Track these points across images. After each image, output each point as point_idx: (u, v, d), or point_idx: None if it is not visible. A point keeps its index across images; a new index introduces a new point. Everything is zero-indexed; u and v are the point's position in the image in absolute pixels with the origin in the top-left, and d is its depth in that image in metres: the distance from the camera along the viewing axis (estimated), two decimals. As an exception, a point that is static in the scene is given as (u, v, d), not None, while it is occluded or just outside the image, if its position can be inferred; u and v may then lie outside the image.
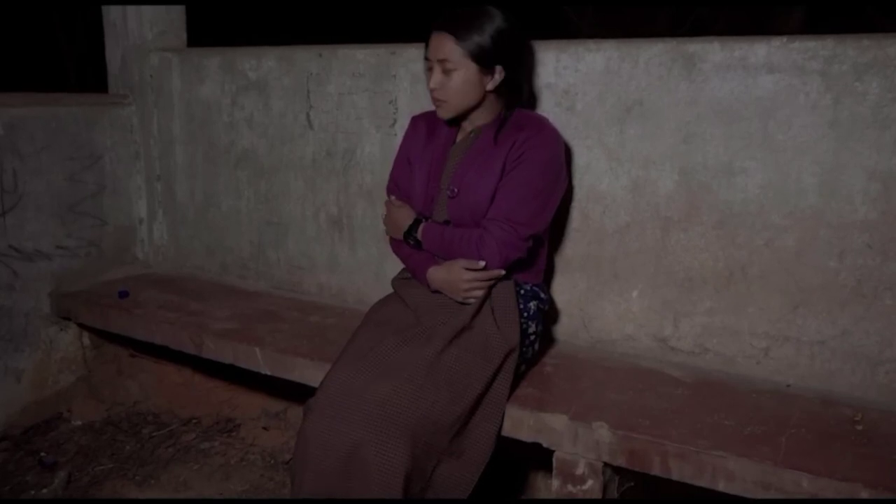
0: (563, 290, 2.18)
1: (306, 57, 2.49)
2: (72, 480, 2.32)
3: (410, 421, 1.60)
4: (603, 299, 2.13)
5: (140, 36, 2.84)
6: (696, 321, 2.01)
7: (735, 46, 1.85)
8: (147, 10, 2.83)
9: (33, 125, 2.51)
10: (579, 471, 1.68)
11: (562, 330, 2.21)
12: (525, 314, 1.89)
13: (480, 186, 1.82)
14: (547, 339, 2.18)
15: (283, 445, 2.52)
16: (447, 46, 1.75)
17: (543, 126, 1.86)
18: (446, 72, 1.77)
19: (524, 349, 1.87)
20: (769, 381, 1.92)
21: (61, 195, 2.63)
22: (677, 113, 1.94)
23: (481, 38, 1.74)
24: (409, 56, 2.29)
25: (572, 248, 2.14)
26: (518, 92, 1.88)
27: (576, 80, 2.05)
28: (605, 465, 1.66)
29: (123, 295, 2.60)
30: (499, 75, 1.80)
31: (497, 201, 1.81)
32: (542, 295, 1.97)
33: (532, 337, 1.92)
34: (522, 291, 1.92)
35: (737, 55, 1.85)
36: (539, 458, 1.84)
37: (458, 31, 1.75)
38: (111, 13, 2.89)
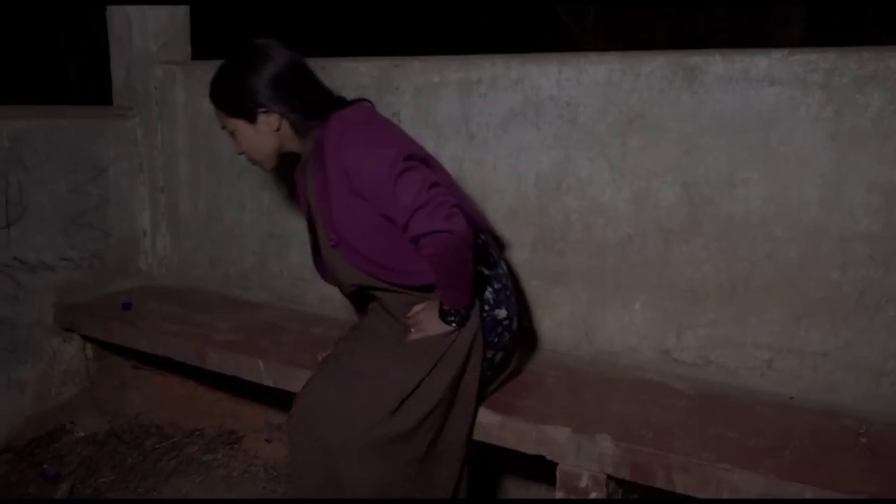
0: (566, 302, 2.18)
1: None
2: (74, 493, 2.32)
3: (375, 434, 1.62)
4: (605, 311, 2.13)
5: (144, 48, 2.86)
6: (699, 333, 2.01)
7: (736, 59, 1.86)
8: (152, 22, 2.85)
9: (38, 137, 2.53)
10: (582, 483, 1.68)
11: (564, 342, 2.21)
12: (485, 304, 1.79)
13: (352, 225, 1.72)
14: (538, 344, 2.19)
15: (286, 458, 2.51)
16: (218, 114, 1.81)
17: (342, 123, 1.71)
18: (232, 135, 1.81)
19: (493, 338, 1.80)
20: (772, 393, 1.91)
21: (65, 207, 2.64)
22: (679, 125, 1.94)
23: (227, 96, 1.77)
24: (412, 69, 2.30)
25: (575, 260, 2.14)
26: (304, 112, 1.75)
27: (578, 92, 2.06)
28: (609, 477, 1.66)
29: (127, 306, 2.61)
30: (266, 115, 1.74)
31: (390, 214, 1.65)
32: (487, 272, 1.83)
33: (506, 322, 1.82)
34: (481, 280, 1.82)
35: (738, 67, 1.86)
36: (542, 471, 1.84)
37: (214, 98, 1.80)
38: (116, 25, 2.91)
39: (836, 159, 1.78)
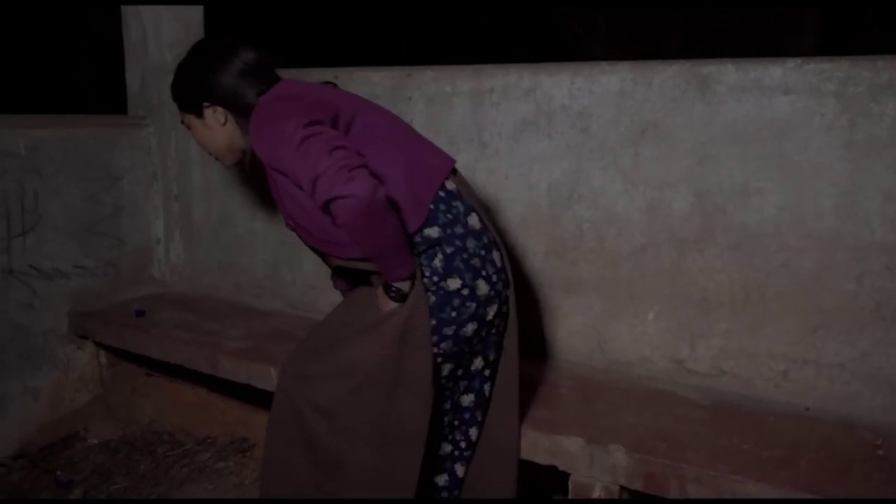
0: (579, 312, 2.17)
1: (322, 79, 2.48)
2: (87, 499, 2.33)
3: (319, 398, 1.66)
4: (618, 321, 2.12)
5: (159, 58, 2.88)
6: (713, 343, 2.00)
7: (750, 68, 1.86)
8: (166, 32, 2.88)
9: (54, 146, 2.55)
10: (595, 494, 1.67)
11: (577, 351, 2.20)
12: (428, 273, 1.65)
13: (292, 205, 1.71)
14: (550, 353, 2.18)
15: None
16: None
17: (256, 110, 1.70)
18: (189, 129, 1.84)
19: (449, 313, 1.63)
20: (788, 404, 1.90)
21: (80, 215, 2.66)
22: (692, 135, 1.94)
23: (176, 91, 1.82)
24: (424, 78, 2.31)
25: (587, 270, 2.14)
26: (238, 107, 1.75)
27: (590, 102, 2.06)
28: (622, 488, 1.65)
29: (140, 314, 2.62)
30: (211, 110, 1.76)
31: (303, 185, 1.60)
32: (436, 234, 1.66)
33: (465, 292, 1.63)
34: (426, 247, 1.67)
35: (751, 77, 1.85)
36: (555, 481, 1.83)
37: (171, 94, 1.84)
38: (131, 35, 2.94)
39: (852, 169, 1.77)
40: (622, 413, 1.84)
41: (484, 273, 1.66)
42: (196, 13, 2.98)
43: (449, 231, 1.65)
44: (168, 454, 2.61)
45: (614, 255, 2.09)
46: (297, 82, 1.79)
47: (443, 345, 1.65)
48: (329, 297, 2.64)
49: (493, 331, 1.72)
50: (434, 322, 1.63)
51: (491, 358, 1.75)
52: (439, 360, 1.66)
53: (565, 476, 1.72)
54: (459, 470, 1.80)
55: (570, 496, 1.71)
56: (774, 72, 1.83)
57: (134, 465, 2.53)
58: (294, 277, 2.74)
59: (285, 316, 2.67)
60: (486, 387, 1.76)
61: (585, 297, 2.16)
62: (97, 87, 9.44)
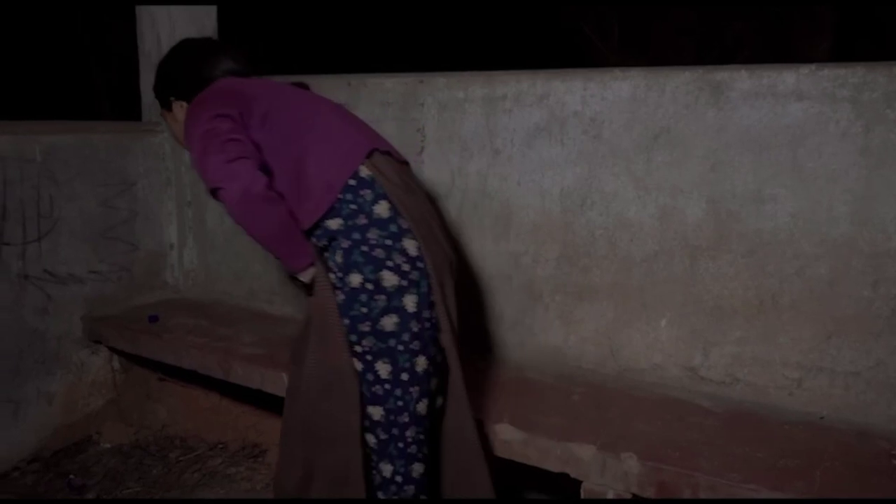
0: (591, 319, 2.17)
1: (335, 86, 2.52)
2: (84, 500, 2.34)
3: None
4: (631, 328, 2.11)
5: (174, 66, 2.90)
6: (726, 351, 1.98)
7: (763, 74, 1.85)
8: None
9: (69, 152, 2.57)
10: (607, 502, 1.66)
11: (589, 358, 2.19)
12: (334, 269, 1.66)
13: None
14: (562, 360, 2.17)
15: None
16: None
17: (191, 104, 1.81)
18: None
19: (357, 309, 1.62)
20: (802, 412, 1.88)
21: (95, 221, 2.68)
22: (705, 141, 1.93)
23: (154, 86, 1.98)
24: (437, 85, 2.31)
25: (600, 277, 2.13)
26: (187, 99, 1.87)
27: (602, 108, 2.06)
28: (634, 496, 1.64)
29: (153, 319, 2.64)
30: (178, 103, 1.91)
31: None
32: (334, 226, 1.66)
33: (369, 287, 1.60)
34: (314, 240, 1.69)
35: (765, 83, 1.84)
36: (561, 489, 1.82)
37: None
38: (146, 43, 2.96)
39: (867, 175, 1.75)
40: (634, 420, 1.83)
41: (389, 263, 1.61)
42: (209, 21, 3.00)
43: (350, 223, 1.63)
44: (180, 459, 2.62)
45: (627, 262, 2.08)
46: (234, 79, 1.86)
47: (365, 342, 1.63)
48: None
49: (428, 325, 1.66)
50: (347, 321, 1.63)
51: (438, 359, 1.70)
52: (369, 358, 1.64)
53: (577, 483, 1.71)
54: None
55: (582, 504, 1.70)
56: (788, 78, 1.82)
57: (146, 470, 2.54)
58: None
59: (298, 322, 2.67)
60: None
61: (598, 304, 2.15)
62: (113, 94, 9.53)
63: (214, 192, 1.65)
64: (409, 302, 1.63)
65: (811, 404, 1.89)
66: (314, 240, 1.69)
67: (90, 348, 2.71)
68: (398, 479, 1.70)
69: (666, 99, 1.97)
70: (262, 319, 2.70)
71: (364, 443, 1.67)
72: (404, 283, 1.62)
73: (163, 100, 1.95)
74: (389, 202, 1.64)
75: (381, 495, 1.72)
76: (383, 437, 1.67)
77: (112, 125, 3.00)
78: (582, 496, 1.69)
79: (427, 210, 1.75)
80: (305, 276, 1.73)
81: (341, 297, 1.63)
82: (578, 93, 2.09)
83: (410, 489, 1.70)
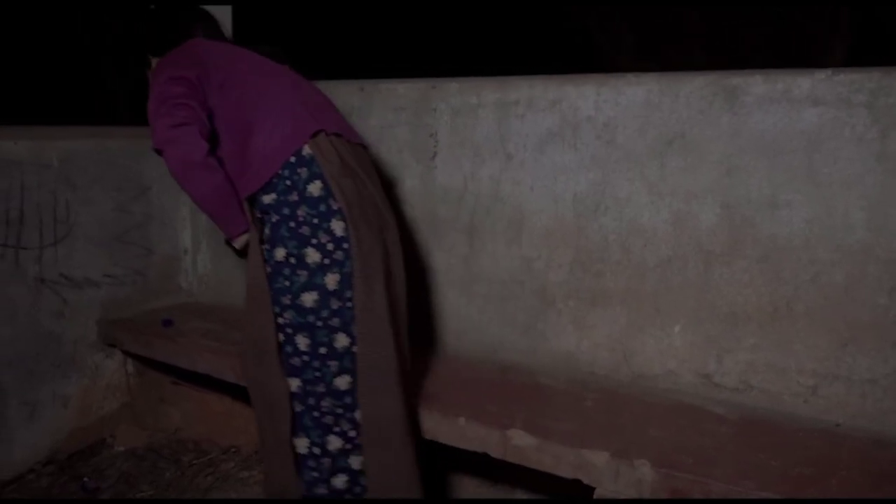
0: (604, 324, 2.16)
1: (348, 91, 2.54)
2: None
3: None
4: (644, 334, 2.10)
5: (189, 72, 2.93)
6: (741, 357, 1.97)
7: (778, 79, 1.84)
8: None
9: (85, 157, 2.60)
10: (620, 509, 1.65)
11: (602, 364, 2.18)
12: (265, 241, 1.74)
13: None
14: (575, 365, 2.16)
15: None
16: None
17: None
18: None
19: (281, 282, 1.70)
20: (817, 420, 1.86)
21: (110, 225, 2.70)
22: (719, 146, 1.92)
23: (137, 49, 2.07)
24: (450, 90, 2.32)
25: (613, 282, 2.12)
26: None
27: (616, 113, 2.05)
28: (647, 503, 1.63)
29: (167, 323, 2.65)
30: (154, 60, 1.98)
31: None
32: (267, 200, 1.73)
33: (292, 261, 1.68)
34: (262, 216, 1.75)
35: (780, 88, 1.84)
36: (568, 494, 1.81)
37: None
38: (162, 50, 2.99)
39: (883, 181, 1.74)
40: (648, 427, 1.82)
41: (314, 241, 1.67)
42: (225, 20, 2.99)
43: (282, 198, 1.69)
44: (193, 462, 2.63)
45: (640, 268, 2.07)
46: (203, 42, 1.93)
47: (286, 314, 1.71)
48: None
49: (349, 304, 1.70)
50: (272, 292, 1.71)
51: (356, 334, 1.73)
52: (289, 331, 1.72)
53: (590, 490, 1.70)
54: (356, 462, 1.80)
55: (595, 511, 1.69)
56: (803, 83, 1.81)
57: (159, 473, 2.55)
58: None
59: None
60: (359, 365, 1.75)
61: (611, 310, 2.14)
62: (130, 99, 9.61)
63: (159, 153, 1.75)
64: (331, 280, 1.68)
65: (827, 412, 1.87)
66: (254, 210, 1.79)
67: (105, 352, 2.73)
68: (315, 450, 1.77)
69: (680, 104, 1.96)
70: (275, 324, 2.70)
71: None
72: (327, 261, 1.68)
73: (144, 59, 2.03)
74: (323, 182, 1.70)
75: (302, 474, 1.80)
76: (298, 409, 1.75)
77: (128, 130, 3.02)
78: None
79: (368, 195, 1.78)
80: (238, 243, 1.90)
81: (269, 269, 1.72)
82: (592, 98, 2.08)
83: (327, 462, 1.75)
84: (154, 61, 2.00)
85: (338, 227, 1.68)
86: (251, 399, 1.87)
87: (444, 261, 2.42)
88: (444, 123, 2.35)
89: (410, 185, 2.45)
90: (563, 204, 2.17)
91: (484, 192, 2.30)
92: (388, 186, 2.49)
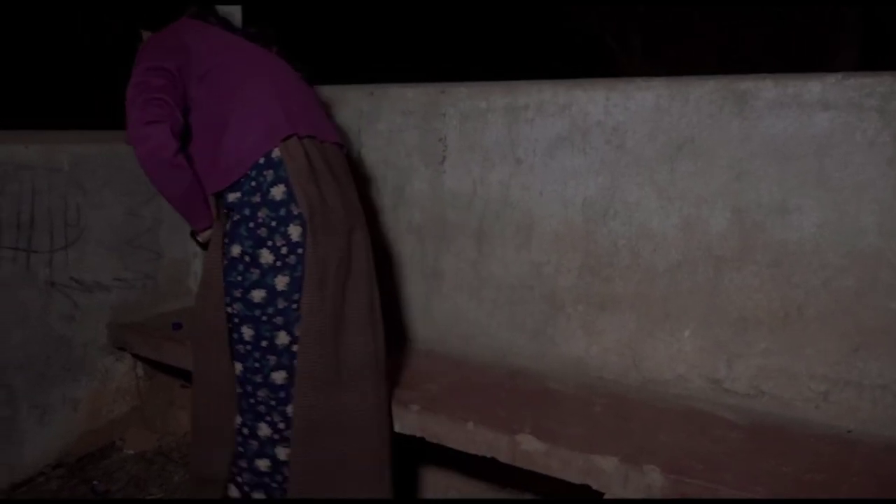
0: (613, 329, 2.15)
1: (357, 96, 2.54)
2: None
3: None
4: (654, 339, 2.09)
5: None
6: (751, 363, 1.96)
7: (788, 84, 1.83)
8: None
9: (96, 162, 2.61)
10: (630, 515, 1.64)
11: (611, 369, 2.17)
12: (226, 236, 1.82)
13: None
14: (584, 370, 2.16)
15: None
16: None
17: None
18: None
19: (233, 276, 1.80)
20: (828, 425, 1.85)
21: (120, 229, 2.72)
22: (729, 151, 1.92)
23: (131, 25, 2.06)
24: (459, 95, 2.32)
25: (622, 287, 2.12)
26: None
27: (625, 118, 2.05)
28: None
29: (177, 327, 2.66)
30: (146, 34, 1.99)
31: None
32: (231, 198, 1.80)
33: (247, 259, 1.77)
34: (227, 212, 1.83)
35: (790, 92, 1.83)
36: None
37: None
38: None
39: (895, 185, 1.73)
40: (657, 432, 1.81)
41: (270, 243, 1.75)
42: (236, 21, 2.99)
43: (245, 198, 1.76)
44: (202, 466, 2.63)
45: (650, 272, 2.07)
46: (192, 24, 1.92)
47: (235, 306, 1.80)
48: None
49: (295, 306, 1.77)
50: (225, 283, 1.80)
51: (298, 335, 1.80)
52: (236, 320, 1.82)
53: (599, 496, 1.69)
54: (281, 454, 1.86)
55: (605, 516, 1.68)
56: (814, 87, 1.80)
57: (168, 476, 2.56)
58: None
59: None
60: (296, 363, 1.81)
61: (620, 314, 2.14)
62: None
63: (133, 146, 1.78)
64: (281, 282, 1.77)
65: (838, 418, 1.86)
66: (219, 204, 1.86)
67: (115, 355, 2.74)
68: (245, 430, 1.87)
69: (690, 108, 1.96)
70: (283, 328, 2.71)
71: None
72: (279, 263, 1.76)
73: (137, 34, 2.03)
74: (287, 186, 1.75)
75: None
76: (239, 390, 1.86)
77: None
78: (604, 508, 1.68)
79: (334, 199, 1.82)
80: (202, 237, 1.96)
81: (225, 262, 1.81)
82: (601, 102, 2.08)
83: (254, 444, 1.87)
84: (146, 35, 2.00)
85: (295, 231, 1.75)
86: (193, 380, 1.96)
87: (453, 265, 2.42)
88: (454, 128, 2.35)
89: (419, 189, 2.45)
90: (573, 208, 2.16)
91: (493, 197, 2.30)
92: (367, 183, 2.50)
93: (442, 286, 2.45)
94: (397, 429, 1.99)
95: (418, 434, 1.97)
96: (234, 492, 1.92)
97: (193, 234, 1.98)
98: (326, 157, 1.86)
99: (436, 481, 2.52)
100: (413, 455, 2.44)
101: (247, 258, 1.77)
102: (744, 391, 1.98)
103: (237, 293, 1.79)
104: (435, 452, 2.04)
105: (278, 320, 1.78)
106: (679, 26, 8.18)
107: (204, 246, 1.95)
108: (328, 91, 2.64)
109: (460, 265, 2.40)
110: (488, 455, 1.84)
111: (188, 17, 1.95)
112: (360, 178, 2.58)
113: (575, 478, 1.72)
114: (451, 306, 2.44)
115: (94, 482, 2.49)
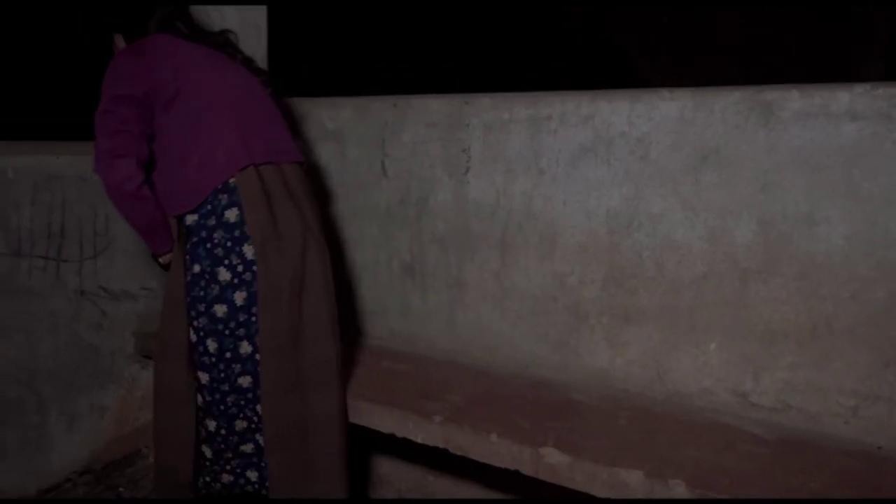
0: (638, 341, 2.14)
1: (382, 107, 2.56)
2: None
3: None
4: (679, 351, 2.08)
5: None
6: (778, 376, 1.93)
7: (815, 94, 1.81)
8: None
9: (125, 173, 2.65)
10: (655, 530, 1.63)
11: (636, 381, 2.16)
12: (188, 254, 1.93)
13: None
14: (608, 382, 2.14)
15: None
16: None
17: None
18: None
19: (197, 291, 1.91)
20: (858, 441, 1.82)
21: (148, 239, 2.75)
22: (755, 162, 1.90)
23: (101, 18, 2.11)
24: (482, 106, 2.33)
25: (647, 299, 2.10)
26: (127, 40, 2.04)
27: (649, 128, 2.04)
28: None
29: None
30: (117, 36, 2.06)
31: None
32: (189, 221, 1.93)
33: (207, 276, 1.90)
34: (187, 232, 1.94)
35: (817, 103, 1.81)
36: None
37: None
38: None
39: (926, 197, 1.70)
40: (683, 446, 1.80)
41: (226, 262, 1.89)
42: (261, 21, 3.00)
43: (202, 221, 1.90)
44: (226, 474, 2.64)
45: (675, 284, 2.05)
46: (165, 42, 1.98)
47: (200, 320, 1.92)
48: (387, 322, 2.66)
49: (254, 319, 1.90)
50: (189, 299, 1.93)
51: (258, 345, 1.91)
52: (201, 334, 1.93)
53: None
54: (260, 439, 1.98)
55: (629, 531, 1.66)
56: (842, 97, 1.78)
57: (193, 485, 2.58)
58: (351, 303, 2.77)
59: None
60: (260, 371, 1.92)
61: (644, 327, 2.12)
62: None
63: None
64: (239, 297, 1.90)
65: (868, 433, 1.83)
66: (180, 224, 1.97)
67: (141, 363, 2.77)
68: (222, 431, 2.00)
69: (715, 119, 1.94)
70: (307, 337, 2.72)
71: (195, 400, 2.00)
72: (236, 280, 1.90)
73: (108, 36, 2.08)
74: (240, 210, 1.89)
75: (206, 449, 2.03)
76: (209, 398, 1.97)
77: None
78: (628, 522, 1.66)
79: (287, 220, 1.92)
80: (163, 260, 2.15)
81: (188, 278, 1.93)
82: (625, 113, 2.08)
83: (234, 439, 1.99)
84: (117, 39, 2.06)
85: (249, 251, 1.89)
86: (154, 392, 2.06)
87: (476, 275, 2.42)
88: (477, 139, 2.36)
89: (443, 200, 2.46)
90: (596, 219, 2.16)
91: (516, 208, 2.30)
92: (390, 194, 2.50)
93: (465, 297, 2.45)
94: (420, 440, 2.00)
95: (441, 445, 1.97)
96: (226, 478, 2.06)
97: (155, 257, 2.15)
98: (284, 179, 1.97)
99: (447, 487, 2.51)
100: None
101: (206, 276, 1.90)
102: (770, 405, 1.95)
103: (201, 307, 1.92)
104: (453, 463, 2.04)
105: (240, 332, 1.91)
106: (703, 37, 8.13)
107: (166, 267, 2.11)
108: (353, 102, 2.66)
109: (484, 276, 2.40)
110: (511, 468, 1.83)
111: (157, 30, 2.01)
112: (384, 190, 2.60)
113: (599, 491, 1.71)
114: (474, 317, 2.44)
115: (120, 489, 2.51)
